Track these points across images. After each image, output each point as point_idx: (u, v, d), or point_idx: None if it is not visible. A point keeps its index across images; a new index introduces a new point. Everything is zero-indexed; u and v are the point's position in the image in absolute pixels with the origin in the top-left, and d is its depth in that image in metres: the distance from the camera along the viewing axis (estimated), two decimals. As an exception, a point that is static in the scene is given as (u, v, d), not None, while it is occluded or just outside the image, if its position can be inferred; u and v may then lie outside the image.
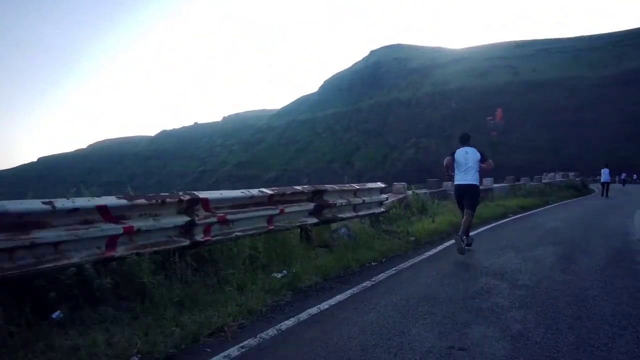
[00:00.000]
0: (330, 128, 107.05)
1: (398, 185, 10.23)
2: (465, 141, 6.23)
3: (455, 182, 6.17)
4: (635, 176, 42.46)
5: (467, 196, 5.96)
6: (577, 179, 23.80)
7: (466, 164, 5.93)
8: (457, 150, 6.13)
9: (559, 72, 78.60)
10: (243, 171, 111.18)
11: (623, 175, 53.08)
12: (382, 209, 6.70)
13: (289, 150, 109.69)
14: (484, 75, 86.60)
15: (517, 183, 15.74)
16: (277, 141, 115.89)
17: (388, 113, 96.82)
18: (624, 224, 8.66)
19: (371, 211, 6.37)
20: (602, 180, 21.31)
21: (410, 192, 10.10)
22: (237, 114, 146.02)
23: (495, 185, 14.26)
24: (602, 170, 21.03)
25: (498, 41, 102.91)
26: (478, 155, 5.99)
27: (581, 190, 20.58)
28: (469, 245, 5.87)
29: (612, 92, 69.95)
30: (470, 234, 6.44)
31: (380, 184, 6.73)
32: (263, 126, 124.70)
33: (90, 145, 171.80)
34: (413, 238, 6.33)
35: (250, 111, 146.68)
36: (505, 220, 9.68)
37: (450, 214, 8.95)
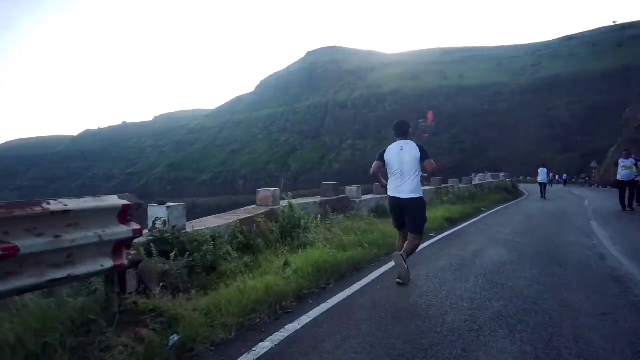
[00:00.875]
0: (267, 129, 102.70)
1: (264, 193, 6.32)
2: (401, 133, 4.48)
3: (389, 193, 4.38)
4: (557, 177, 42.71)
5: (408, 216, 4.20)
6: (507, 179, 21.65)
7: (401, 167, 4.23)
8: (389, 147, 4.46)
9: (483, 78, 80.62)
10: (175, 173, 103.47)
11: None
12: (123, 261, 2.67)
13: (224, 151, 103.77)
14: (415, 79, 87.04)
15: (443, 186, 12.63)
16: (212, 142, 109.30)
17: (325, 114, 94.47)
18: (595, 252, 5.45)
19: (78, 271, 2.35)
20: (539, 180, 19.61)
21: (286, 202, 6.25)
22: (168, 114, 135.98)
23: (417, 189, 11.02)
24: (539, 170, 19.15)
25: (428, 47, 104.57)
26: (417, 153, 4.28)
27: (512, 193, 18.27)
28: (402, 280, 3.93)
29: (530, 98, 72.77)
30: (360, 283, 4.04)
31: (115, 201, 2.69)
32: (197, 126, 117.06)
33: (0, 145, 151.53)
34: (174, 339, 2.38)
35: (183, 111, 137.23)
36: (424, 245, 6.14)
37: (336, 242, 5.21)
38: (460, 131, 75.65)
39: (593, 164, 35.49)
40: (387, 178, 4.44)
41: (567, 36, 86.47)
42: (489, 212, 11.08)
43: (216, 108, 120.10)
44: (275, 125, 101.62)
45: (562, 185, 35.22)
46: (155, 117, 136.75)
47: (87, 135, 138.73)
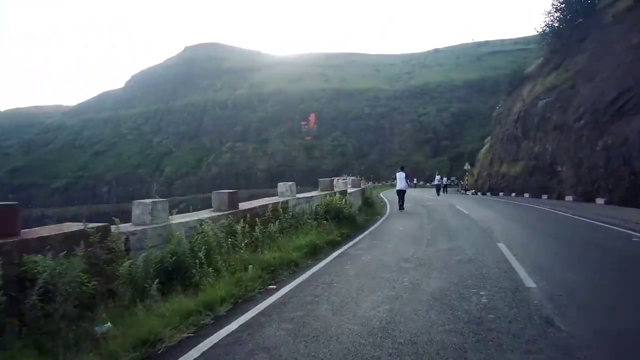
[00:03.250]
0: (138, 128, 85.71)
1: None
2: None
3: None
4: (447, 179, 37.18)
5: None
6: (354, 190, 12.98)
7: None
8: None
9: (363, 83, 77.08)
10: (21, 179, 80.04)
11: (415, 180, 50.61)
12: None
13: (85, 153, 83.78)
14: (299, 80, 79.97)
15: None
16: (71, 142, 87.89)
17: (203, 114, 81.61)
18: None
19: None
20: (396, 188, 14.19)
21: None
22: (18, 109, 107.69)
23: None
24: (397, 175, 12.06)
25: (312, 51, 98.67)
26: None
27: (349, 222, 9.02)
28: None
29: (404, 103, 71.56)
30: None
31: None
32: (53, 124, 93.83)
33: None
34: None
35: (39, 106, 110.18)
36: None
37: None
38: (341, 134, 70.81)
39: (466, 166, 30.15)
40: None
41: (435, 49, 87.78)
42: None
43: (78, 104, 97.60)
44: (148, 124, 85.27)
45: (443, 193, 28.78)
46: (0, 112, 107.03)
47: None
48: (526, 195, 19.80)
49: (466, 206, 15.59)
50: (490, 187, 23.48)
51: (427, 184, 55.78)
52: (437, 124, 67.52)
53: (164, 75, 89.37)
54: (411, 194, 27.14)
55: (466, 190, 28.13)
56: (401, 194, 14.03)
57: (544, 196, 17.97)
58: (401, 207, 14.15)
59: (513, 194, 21.14)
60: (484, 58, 76.86)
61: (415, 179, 50.50)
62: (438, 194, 23.94)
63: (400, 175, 14.20)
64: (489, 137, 32.92)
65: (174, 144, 79.53)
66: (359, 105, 72.47)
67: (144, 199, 3.94)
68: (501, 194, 21.95)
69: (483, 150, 32.48)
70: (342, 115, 72.23)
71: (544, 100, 18.21)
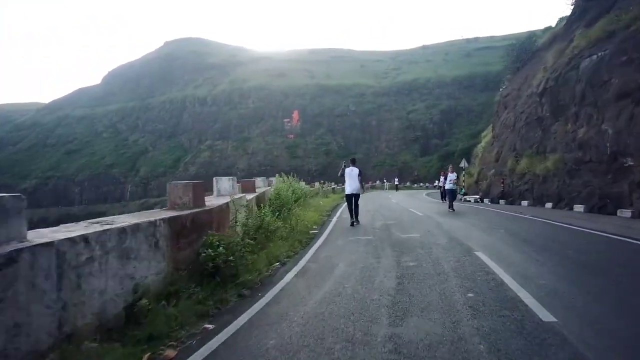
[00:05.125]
0: (114, 126, 78.05)
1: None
2: None
3: None
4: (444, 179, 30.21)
5: None
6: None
7: None
8: None
9: (348, 79, 70.47)
10: (-13, 180, 71.52)
11: (397, 181, 42.95)
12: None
13: (57, 152, 75.82)
14: (282, 76, 73.03)
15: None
16: (43, 141, 79.77)
17: (182, 111, 74.09)
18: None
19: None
20: (346, 192, 8.98)
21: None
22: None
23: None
24: (345, 171, 8.20)
25: (297, 47, 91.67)
26: None
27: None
28: None
29: (391, 100, 65.39)
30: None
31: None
32: (26, 122, 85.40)
33: None
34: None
35: (16, 103, 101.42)
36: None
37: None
38: (325, 132, 64.18)
39: (463, 164, 23.41)
40: None
41: (423, 45, 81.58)
42: None
43: (52, 101, 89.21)
44: (124, 122, 77.58)
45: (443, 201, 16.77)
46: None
47: None
48: (579, 208, 11.31)
49: (501, 253, 5.64)
50: (504, 191, 16.43)
51: (415, 185, 48.61)
52: (426, 121, 61.50)
53: (142, 71, 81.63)
54: (390, 201, 18.28)
55: (465, 194, 20.94)
56: (353, 199, 8.85)
57: (624, 212, 9.70)
58: (354, 221, 8.87)
59: (549, 204, 12.86)
60: (474, 54, 71.00)
61: (397, 179, 42.84)
62: (451, 206, 13.01)
63: (352, 173, 8.74)
64: (489, 127, 26.26)
65: (151, 143, 72.05)
66: (344, 102, 65.93)
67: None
68: (525, 202, 14.36)
69: (483, 144, 25.80)
70: (326, 112, 65.64)
71: (594, 57, 11.31)
